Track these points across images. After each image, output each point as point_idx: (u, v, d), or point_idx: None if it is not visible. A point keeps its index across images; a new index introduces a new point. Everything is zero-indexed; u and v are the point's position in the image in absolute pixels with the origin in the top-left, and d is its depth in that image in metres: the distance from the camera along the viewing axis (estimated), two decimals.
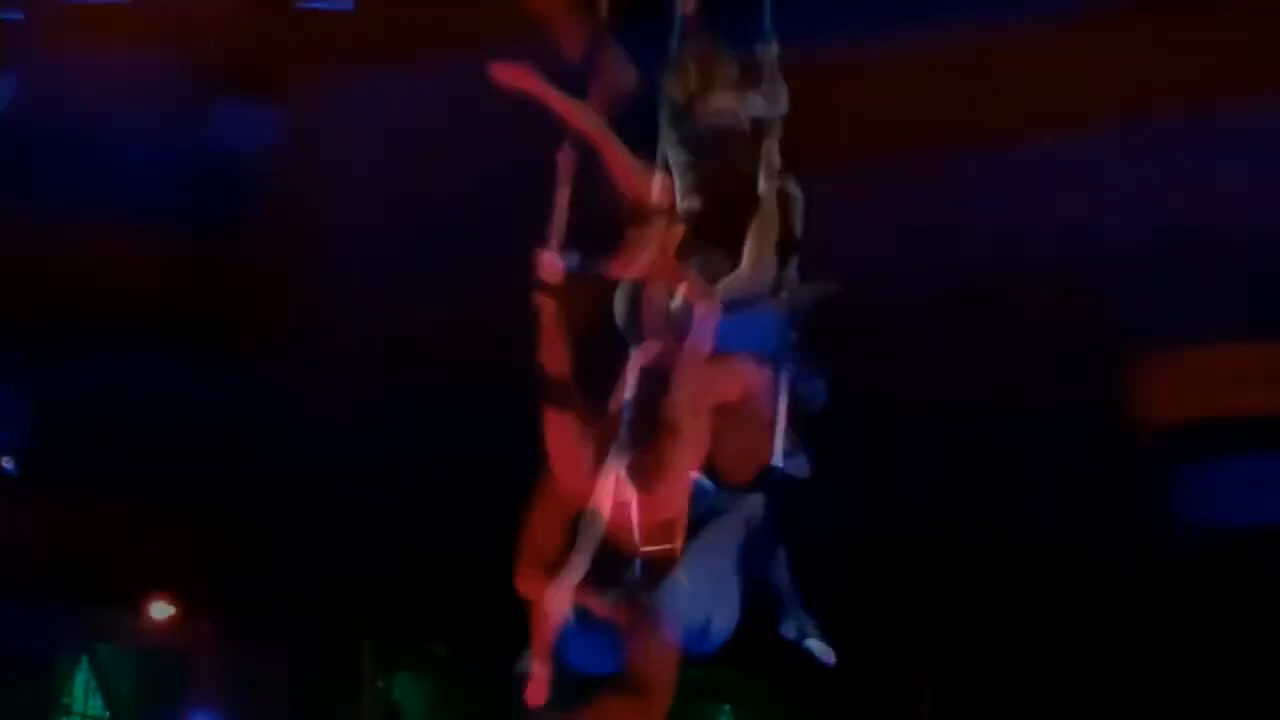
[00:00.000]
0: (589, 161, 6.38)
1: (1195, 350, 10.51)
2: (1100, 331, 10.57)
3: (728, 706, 14.31)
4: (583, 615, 5.92)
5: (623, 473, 6.01)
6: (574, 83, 6.38)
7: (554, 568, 6.05)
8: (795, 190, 6.50)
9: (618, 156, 6.41)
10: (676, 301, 6.36)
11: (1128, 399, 10.82)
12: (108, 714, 13.01)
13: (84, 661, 13.02)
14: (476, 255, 9.00)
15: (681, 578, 5.99)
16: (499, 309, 6.74)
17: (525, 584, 6.24)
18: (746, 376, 6.33)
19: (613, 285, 6.40)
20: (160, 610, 12.99)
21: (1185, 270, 9.94)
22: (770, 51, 6.57)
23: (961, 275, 9.99)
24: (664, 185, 6.48)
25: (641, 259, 6.35)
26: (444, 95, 8.76)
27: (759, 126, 6.49)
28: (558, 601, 5.91)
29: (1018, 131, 9.07)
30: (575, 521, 6.03)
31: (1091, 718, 12.95)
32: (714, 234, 6.37)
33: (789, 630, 6.29)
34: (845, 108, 7.93)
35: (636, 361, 6.28)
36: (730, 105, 6.51)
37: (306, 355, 10.85)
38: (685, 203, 6.44)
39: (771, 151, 6.45)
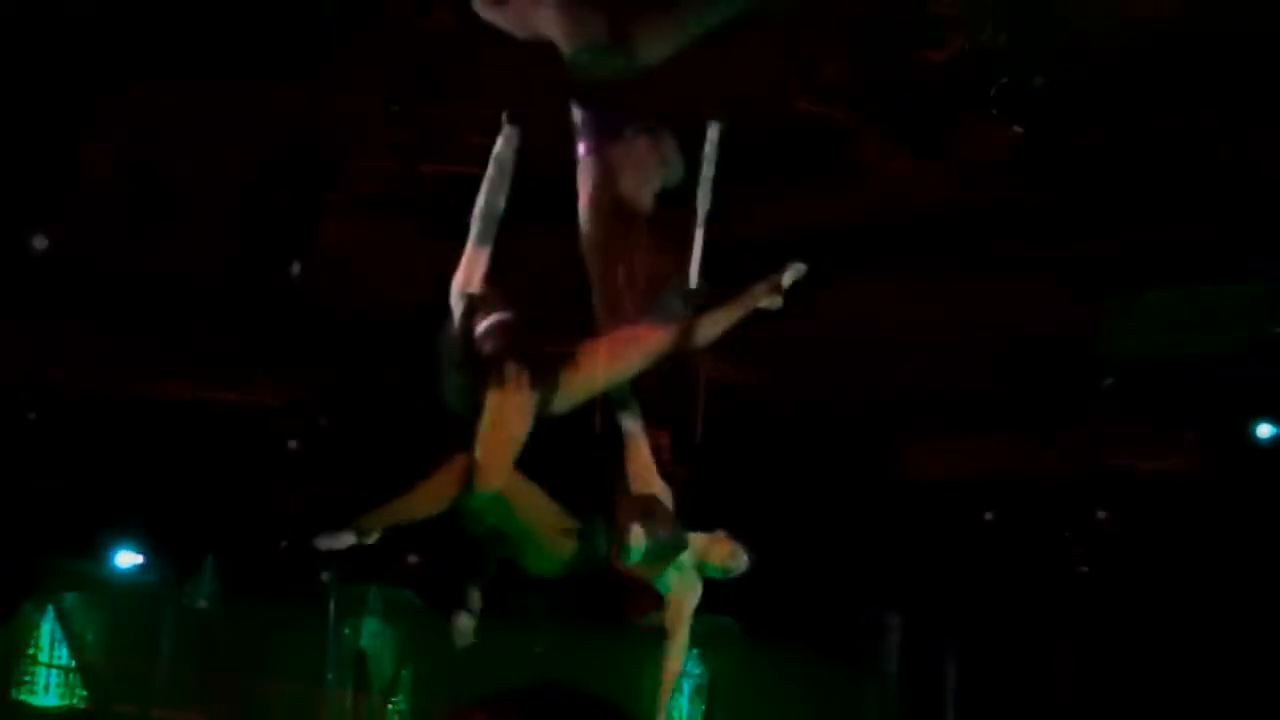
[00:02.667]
0: None
1: None
2: None
3: (695, 652, 14.32)
4: None
5: None
6: None
7: None
8: None
9: None
10: None
11: None
12: (73, 664, 12.97)
13: (50, 611, 12.98)
14: None
15: None
16: None
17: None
18: None
19: None
20: (127, 559, 12.96)
21: None
22: None
23: None
24: None
25: None
26: None
27: None
28: None
29: None
30: None
31: (1052, 648, 13.04)
32: None
33: None
34: None
35: None
36: None
37: None
38: None
39: None
